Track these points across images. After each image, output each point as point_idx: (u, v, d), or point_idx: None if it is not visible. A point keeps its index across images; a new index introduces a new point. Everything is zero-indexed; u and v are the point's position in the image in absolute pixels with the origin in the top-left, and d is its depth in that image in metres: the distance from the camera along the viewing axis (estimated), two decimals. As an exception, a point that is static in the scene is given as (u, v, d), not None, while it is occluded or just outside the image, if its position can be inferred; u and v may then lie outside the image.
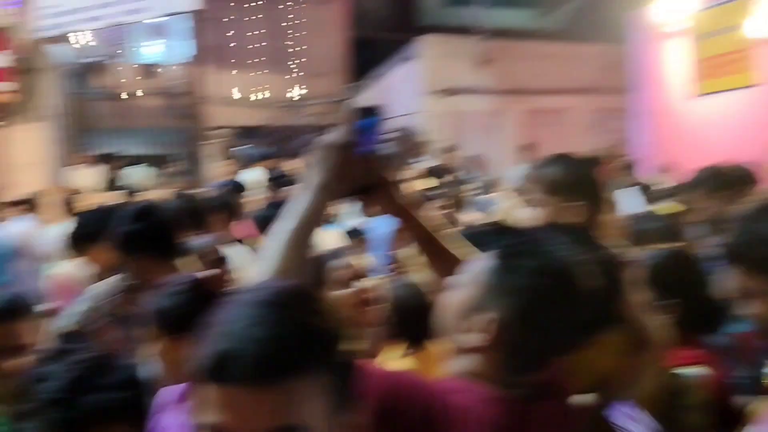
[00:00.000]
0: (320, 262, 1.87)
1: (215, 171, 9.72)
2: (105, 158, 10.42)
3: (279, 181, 4.18)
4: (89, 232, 2.88)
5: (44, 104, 9.63)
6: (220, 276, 2.50)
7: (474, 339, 1.19)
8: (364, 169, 1.31)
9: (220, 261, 2.64)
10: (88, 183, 8.87)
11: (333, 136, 1.29)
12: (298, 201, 1.26)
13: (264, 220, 2.49)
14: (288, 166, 8.48)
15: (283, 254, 1.22)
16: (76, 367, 1.08)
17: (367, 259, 2.10)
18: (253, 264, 1.27)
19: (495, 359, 1.19)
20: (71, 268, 3.42)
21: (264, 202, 4.04)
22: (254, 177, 8.15)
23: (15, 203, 6.21)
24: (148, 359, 1.70)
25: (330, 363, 0.83)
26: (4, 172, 9.13)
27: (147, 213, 2.35)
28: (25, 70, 9.30)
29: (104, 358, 1.13)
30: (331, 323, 0.84)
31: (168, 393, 1.70)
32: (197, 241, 2.62)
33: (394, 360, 1.77)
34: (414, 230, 1.42)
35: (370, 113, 1.33)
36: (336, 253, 1.98)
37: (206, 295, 1.68)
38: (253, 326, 0.79)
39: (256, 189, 6.37)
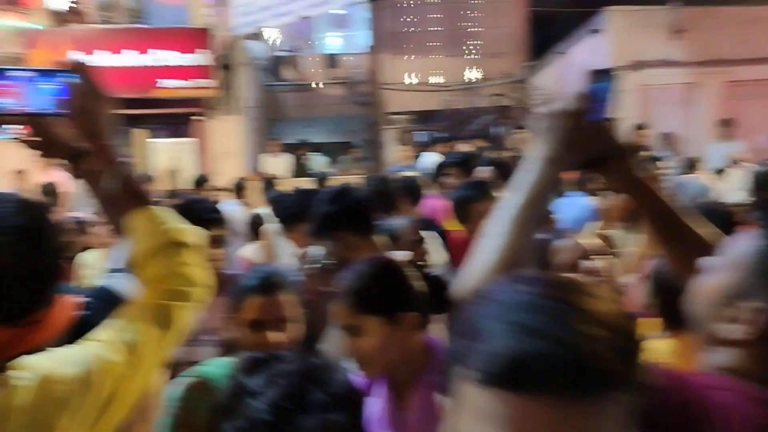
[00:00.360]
0: (543, 243, 1.77)
1: (394, 156, 9.92)
2: (292, 146, 11.03)
3: (470, 162, 4.12)
4: (291, 213, 3.01)
5: (240, 97, 10.39)
6: (418, 257, 2.49)
7: (737, 330, 1.03)
8: (597, 138, 1.19)
9: (418, 242, 2.63)
10: (279, 170, 9.43)
11: (562, 103, 1.18)
12: (526, 174, 1.17)
13: (461, 202, 2.44)
14: (464, 149, 8.43)
15: (510, 231, 1.14)
16: (288, 381, 0.96)
17: (595, 239, 1.95)
18: (477, 242, 1.19)
19: (762, 355, 1.02)
20: (254, 249, 3.65)
21: (455, 185, 4.00)
22: (431, 161, 8.20)
23: (218, 189, 6.75)
24: (337, 340, 1.69)
25: (635, 378, 0.66)
26: (208, 161, 10.00)
27: (344, 194, 2.39)
28: (223, 66, 10.09)
29: (318, 369, 1.02)
30: (633, 329, 0.68)
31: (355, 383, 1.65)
32: (394, 222, 2.64)
33: (650, 341, 1.64)
34: (651, 207, 1.27)
35: (602, 77, 1.20)
36: (558, 234, 1.87)
37: (400, 275, 1.65)
38: (557, 326, 0.63)
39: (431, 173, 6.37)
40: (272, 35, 12.92)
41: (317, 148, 11.58)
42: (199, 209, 2.07)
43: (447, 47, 13.19)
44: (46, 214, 1.47)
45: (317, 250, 2.51)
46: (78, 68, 1.24)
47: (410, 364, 1.62)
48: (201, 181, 6.17)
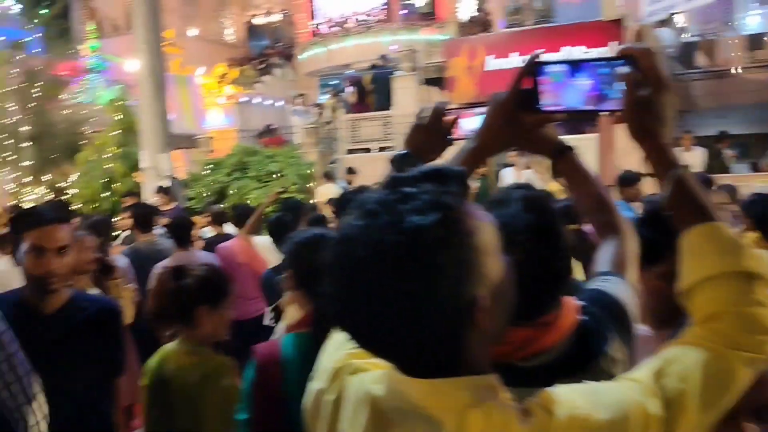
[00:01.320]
0: None
1: None
2: (706, 139, 10.00)
3: None
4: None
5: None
6: None
7: None
8: None
9: None
10: (691, 165, 8.63)
11: None
12: None
13: None
14: None
15: None
16: None
17: None
18: None
19: None
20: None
21: None
22: None
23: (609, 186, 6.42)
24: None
25: None
26: (611, 157, 9.70)
27: None
28: (633, 57, 9.67)
29: None
30: None
31: None
32: None
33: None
34: None
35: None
36: None
37: None
38: None
39: None
40: (682, 20, 11.95)
41: (737, 140, 10.30)
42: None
43: None
44: (554, 211, 1.39)
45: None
46: (632, 55, 1.06)
47: None
48: (631, 179, 5.62)
